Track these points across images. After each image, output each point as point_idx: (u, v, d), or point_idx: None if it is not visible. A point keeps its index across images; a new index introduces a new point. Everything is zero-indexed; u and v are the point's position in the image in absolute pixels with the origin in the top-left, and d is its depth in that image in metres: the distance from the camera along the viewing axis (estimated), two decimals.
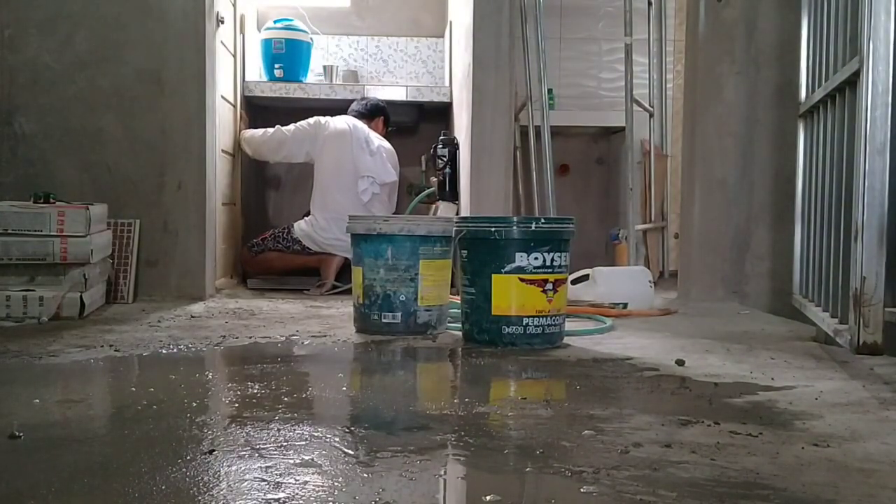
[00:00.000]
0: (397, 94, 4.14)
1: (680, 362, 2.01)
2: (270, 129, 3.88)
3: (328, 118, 3.88)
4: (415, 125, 4.40)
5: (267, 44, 4.15)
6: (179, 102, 3.13)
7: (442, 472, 1.20)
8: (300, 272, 3.88)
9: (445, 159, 3.69)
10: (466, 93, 3.52)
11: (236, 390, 1.68)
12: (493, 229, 2.25)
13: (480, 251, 2.28)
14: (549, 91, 3.97)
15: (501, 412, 1.54)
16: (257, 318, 2.75)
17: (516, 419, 1.48)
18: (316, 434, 1.34)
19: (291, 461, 1.20)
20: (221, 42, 3.51)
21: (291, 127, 3.86)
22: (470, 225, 2.31)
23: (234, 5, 3.86)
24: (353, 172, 3.79)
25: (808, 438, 1.35)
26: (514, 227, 2.25)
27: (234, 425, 1.40)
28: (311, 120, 3.87)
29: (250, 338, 2.35)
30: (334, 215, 3.71)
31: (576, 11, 4.59)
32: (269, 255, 3.85)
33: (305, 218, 3.86)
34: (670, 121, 4.39)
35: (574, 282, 3.05)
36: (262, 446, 1.27)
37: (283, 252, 3.83)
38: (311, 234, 3.79)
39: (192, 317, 2.74)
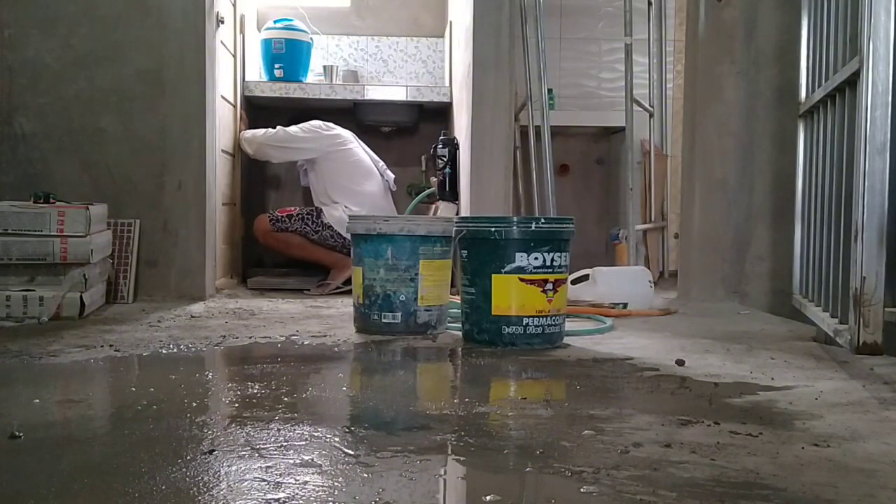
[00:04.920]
0: (397, 94, 4.14)
1: (680, 362, 2.01)
2: (272, 130, 3.86)
3: (330, 123, 3.90)
4: (415, 125, 4.40)
5: (267, 44, 4.15)
6: (179, 102, 3.12)
7: (442, 472, 1.20)
8: (306, 269, 3.86)
9: (445, 159, 3.69)
10: (466, 93, 3.52)
11: (236, 390, 1.68)
12: (493, 229, 2.25)
13: (480, 251, 2.28)
14: (549, 91, 3.97)
15: (501, 412, 1.54)
16: (257, 318, 2.75)
17: (516, 419, 1.48)
18: (316, 434, 1.34)
19: (291, 461, 1.20)
20: (221, 42, 3.51)
21: (294, 128, 3.84)
22: (470, 225, 2.31)
23: (234, 5, 3.86)
24: (373, 166, 3.88)
25: (808, 438, 1.35)
26: (514, 227, 2.25)
27: (234, 425, 1.40)
28: (315, 122, 3.87)
29: (250, 338, 2.35)
30: (367, 203, 3.74)
31: (576, 11, 4.59)
32: (291, 238, 3.73)
33: (334, 204, 3.78)
34: (670, 121, 4.38)
35: (574, 282, 3.05)
36: (262, 446, 1.27)
37: (307, 238, 3.72)
38: (346, 221, 3.76)
39: (192, 317, 2.74)
